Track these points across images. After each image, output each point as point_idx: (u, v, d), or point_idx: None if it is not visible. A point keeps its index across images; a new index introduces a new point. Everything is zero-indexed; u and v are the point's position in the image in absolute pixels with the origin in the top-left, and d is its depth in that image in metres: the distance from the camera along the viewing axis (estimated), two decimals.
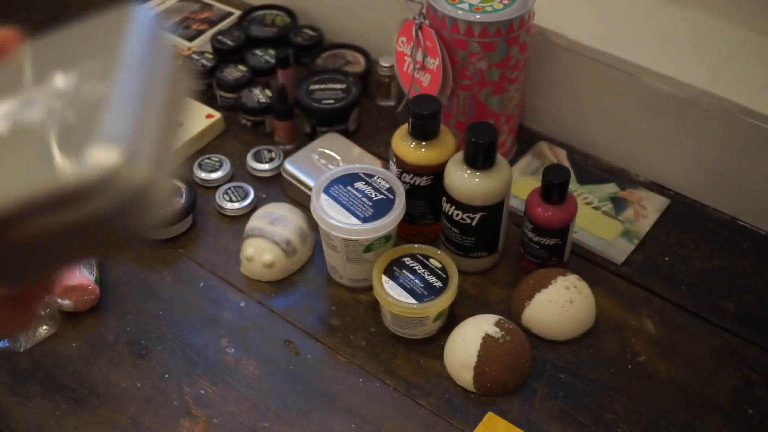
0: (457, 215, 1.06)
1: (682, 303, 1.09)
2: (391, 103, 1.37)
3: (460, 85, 1.15)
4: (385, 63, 1.33)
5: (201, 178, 1.24)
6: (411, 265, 1.04)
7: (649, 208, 1.20)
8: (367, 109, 1.36)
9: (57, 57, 0.44)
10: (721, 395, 1.00)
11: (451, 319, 1.07)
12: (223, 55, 1.41)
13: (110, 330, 1.07)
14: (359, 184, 1.08)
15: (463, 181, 1.03)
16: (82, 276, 1.06)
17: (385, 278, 1.03)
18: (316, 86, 1.30)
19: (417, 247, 1.06)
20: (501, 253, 1.14)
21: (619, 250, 1.15)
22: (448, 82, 1.15)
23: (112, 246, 0.41)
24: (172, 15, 1.54)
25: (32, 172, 0.38)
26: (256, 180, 1.26)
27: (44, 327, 1.06)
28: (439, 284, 1.02)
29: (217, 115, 1.32)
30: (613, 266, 1.14)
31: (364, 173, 1.09)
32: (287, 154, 1.29)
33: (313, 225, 1.16)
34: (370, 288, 1.11)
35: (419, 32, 1.12)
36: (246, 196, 1.21)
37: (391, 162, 1.11)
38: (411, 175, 1.08)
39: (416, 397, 1.00)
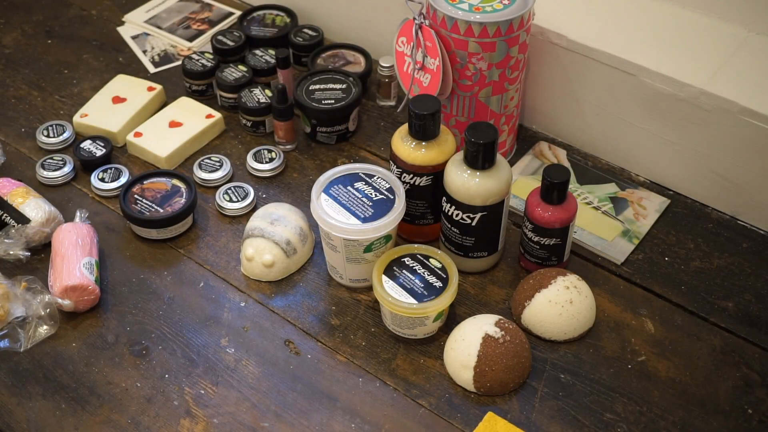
0: (457, 215, 1.06)
1: (682, 303, 1.09)
2: (391, 103, 1.37)
3: (460, 85, 1.15)
4: (385, 63, 1.33)
5: (201, 178, 1.24)
6: (411, 265, 1.04)
7: (649, 208, 1.20)
8: (367, 109, 1.36)
9: None
10: (720, 395, 1.00)
11: (451, 319, 1.07)
12: (223, 55, 1.41)
13: (110, 330, 1.07)
14: (359, 184, 1.08)
15: (463, 181, 1.03)
16: (82, 276, 1.06)
17: (385, 278, 1.03)
18: (316, 86, 1.30)
19: (417, 247, 1.06)
20: (501, 253, 1.14)
21: (619, 250, 1.15)
22: (448, 82, 1.15)
23: None
24: (172, 15, 1.55)
25: None
26: (256, 180, 1.26)
27: (44, 327, 1.06)
28: (439, 284, 1.02)
29: (217, 115, 1.32)
30: (613, 266, 1.14)
31: (364, 173, 1.09)
32: (287, 154, 1.29)
33: (313, 225, 1.17)
34: (370, 288, 1.11)
35: (419, 32, 1.12)
36: (246, 196, 1.21)
37: (390, 162, 1.11)
38: (411, 175, 1.08)
39: (416, 397, 1.00)
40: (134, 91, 1.36)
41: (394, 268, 1.04)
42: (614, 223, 1.18)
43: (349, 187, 1.07)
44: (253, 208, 1.21)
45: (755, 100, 1.10)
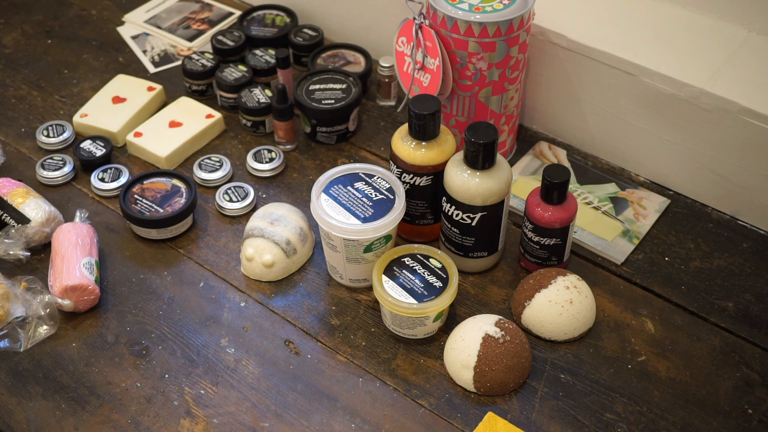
0: (457, 215, 1.06)
1: (682, 303, 1.09)
2: (391, 103, 1.37)
3: (460, 85, 1.15)
4: (385, 63, 1.33)
5: (201, 178, 1.24)
6: (411, 265, 1.04)
7: (649, 208, 1.20)
8: (367, 109, 1.36)
9: None
10: (720, 395, 1.00)
11: (451, 319, 1.07)
12: (223, 55, 1.41)
13: (110, 330, 1.07)
14: (359, 184, 1.08)
15: (463, 181, 1.03)
16: (82, 276, 1.06)
17: (385, 278, 1.03)
18: (316, 86, 1.30)
19: (417, 247, 1.06)
20: (501, 253, 1.14)
21: (619, 250, 1.15)
22: (448, 82, 1.15)
23: None
24: (172, 15, 1.55)
25: None
26: (256, 180, 1.26)
27: (44, 327, 1.06)
28: (439, 284, 1.03)
29: (217, 115, 1.32)
30: (613, 266, 1.14)
31: (364, 173, 1.09)
32: (287, 154, 1.29)
33: (313, 225, 1.17)
34: (370, 288, 1.11)
35: (419, 32, 1.12)
36: (246, 196, 1.21)
37: (390, 162, 1.11)
38: (411, 175, 1.08)
39: (416, 397, 1.00)
40: (134, 91, 1.36)
41: (394, 268, 1.04)
42: (614, 223, 1.18)
43: (349, 187, 1.07)
44: (253, 208, 1.21)
45: (755, 100, 1.10)
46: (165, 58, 1.47)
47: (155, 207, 1.16)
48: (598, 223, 1.18)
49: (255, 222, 1.13)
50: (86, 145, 1.27)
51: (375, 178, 1.08)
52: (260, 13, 1.49)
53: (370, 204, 1.05)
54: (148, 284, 1.12)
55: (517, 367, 0.99)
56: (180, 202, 1.17)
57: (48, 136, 1.30)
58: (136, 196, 1.18)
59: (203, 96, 1.38)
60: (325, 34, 1.47)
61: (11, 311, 1.06)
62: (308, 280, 1.13)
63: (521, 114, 1.32)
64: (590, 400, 1.00)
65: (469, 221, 1.06)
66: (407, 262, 1.05)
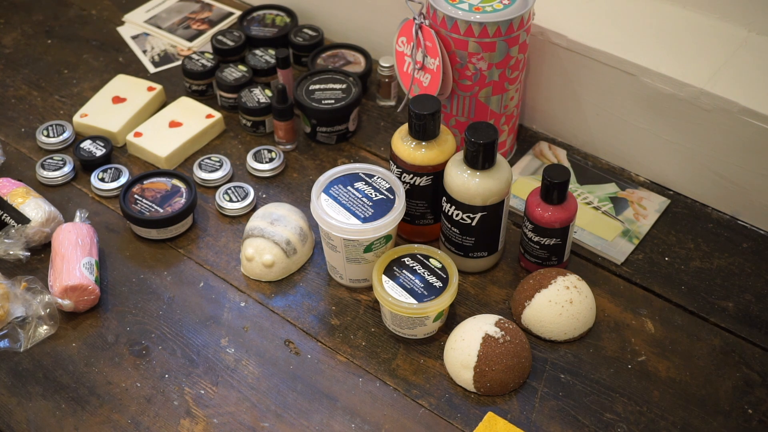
0: (457, 215, 1.06)
1: (682, 303, 1.09)
2: (391, 103, 1.37)
3: (460, 85, 1.15)
4: (385, 63, 1.33)
5: (201, 178, 1.24)
6: (411, 265, 1.04)
7: (649, 208, 1.20)
8: (367, 109, 1.36)
9: None
10: (720, 395, 1.00)
11: (451, 319, 1.07)
12: (223, 55, 1.41)
13: (110, 330, 1.07)
14: (359, 184, 1.08)
15: (463, 181, 1.03)
16: (82, 276, 1.06)
17: (385, 278, 1.03)
18: (316, 86, 1.30)
19: (417, 247, 1.06)
20: (501, 253, 1.14)
21: (619, 250, 1.15)
22: (448, 82, 1.15)
23: None
24: (172, 15, 1.55)
25: None
26: (256, 180, 1.26)
27: (44, 327, 1.06)
28: (439, 284, 1.02)
29: (217, 115, 1.32)
30: (613, 266, 1.14)
31: (364, 173, 1.09)
32: (287, 154, 1.29)
33: (313, 225, 1.17)
34: (370, 288, 1.11)
35: (419, 32, 1.12)
36: (246, 196, 1.21)
37: (391, 162, 1.11)
38: (411, 175, 1.08)
39: (416, 397, 1.00)
40: (134, 91, 1.36)
41: (394, 268, 1.04)
42: (614, 223, 1.18)
43: (349, 187, 1.07)
44: (253, 208, 1.21)
45: (755, 100, 1.10)
46: (165, 58, 1.47)
47: (155, 207, 1.16)
48: (598, 223, 1.18)
49: (255, 222, 1.13)
50: (86, 145, 1.27)
51: (375, 178, 1.08)
52: (260, 13, 1.49)
53: (370, 204, 1.05)
54: (148, 284, 1.12)
55: (517, 367, 0.99)
56: (180, 202, 1.17)
57: (48, 136, 1.30)
58: (136, 196, 1.18)
59: (203, 96, 1.38)
60: (325, 34, 1.47)
61: (11, 311, 1.06)
62: (308, 280, 1.13)
63: (521, 114, 1.32)
64: (590, 400, 1.00)
65: (469, 221, 1.06)
66: (407, 262, 1.05)
